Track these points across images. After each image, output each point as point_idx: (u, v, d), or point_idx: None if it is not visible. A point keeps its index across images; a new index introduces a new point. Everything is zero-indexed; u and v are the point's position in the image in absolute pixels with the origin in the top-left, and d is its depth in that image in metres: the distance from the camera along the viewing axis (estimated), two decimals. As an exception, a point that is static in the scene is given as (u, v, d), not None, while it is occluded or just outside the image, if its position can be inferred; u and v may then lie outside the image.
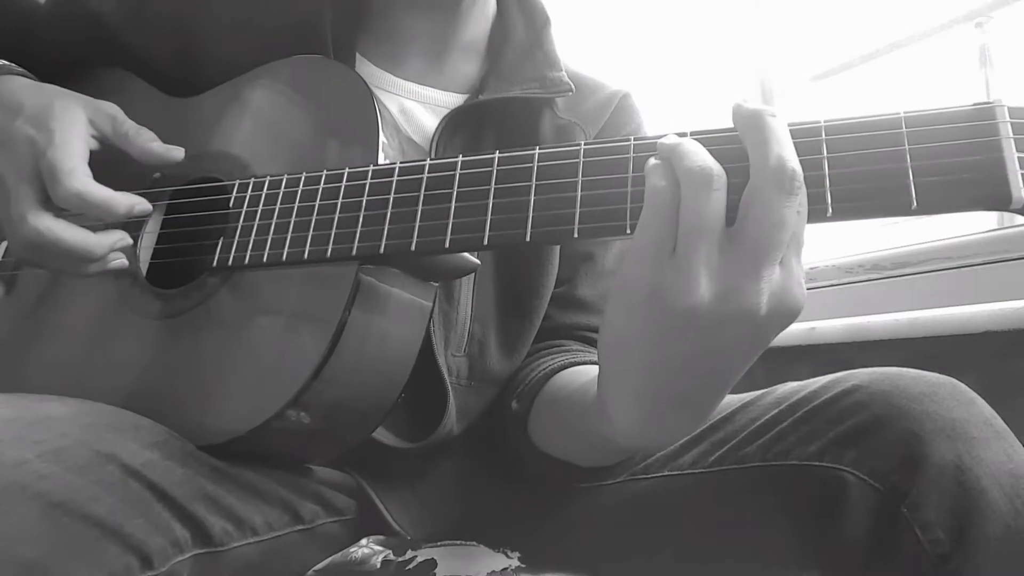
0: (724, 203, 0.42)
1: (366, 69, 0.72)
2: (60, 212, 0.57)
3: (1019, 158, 0.40)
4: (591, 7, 1.73)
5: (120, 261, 0.59)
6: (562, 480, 0.69)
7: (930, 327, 1.09)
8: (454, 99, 0.74)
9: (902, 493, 0.51)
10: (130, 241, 0.60)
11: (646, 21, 1.76)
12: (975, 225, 1.26)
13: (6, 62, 0.65)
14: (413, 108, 0.73)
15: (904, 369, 0.57)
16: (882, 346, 1.16)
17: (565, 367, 0.70)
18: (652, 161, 0.44)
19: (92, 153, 0.60)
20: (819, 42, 1.58)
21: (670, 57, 1.69)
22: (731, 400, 0.67)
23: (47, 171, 0.56)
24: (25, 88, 0.62)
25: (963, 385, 0.55)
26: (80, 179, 0.56)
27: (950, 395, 0.54)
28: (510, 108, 0.73)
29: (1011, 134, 0.41)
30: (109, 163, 0.61)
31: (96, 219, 0.58)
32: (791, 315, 0.42)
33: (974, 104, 0.42)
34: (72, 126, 0.59)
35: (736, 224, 0.42)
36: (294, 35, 0.69)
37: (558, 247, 0.75)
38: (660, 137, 0.47)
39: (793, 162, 0.41)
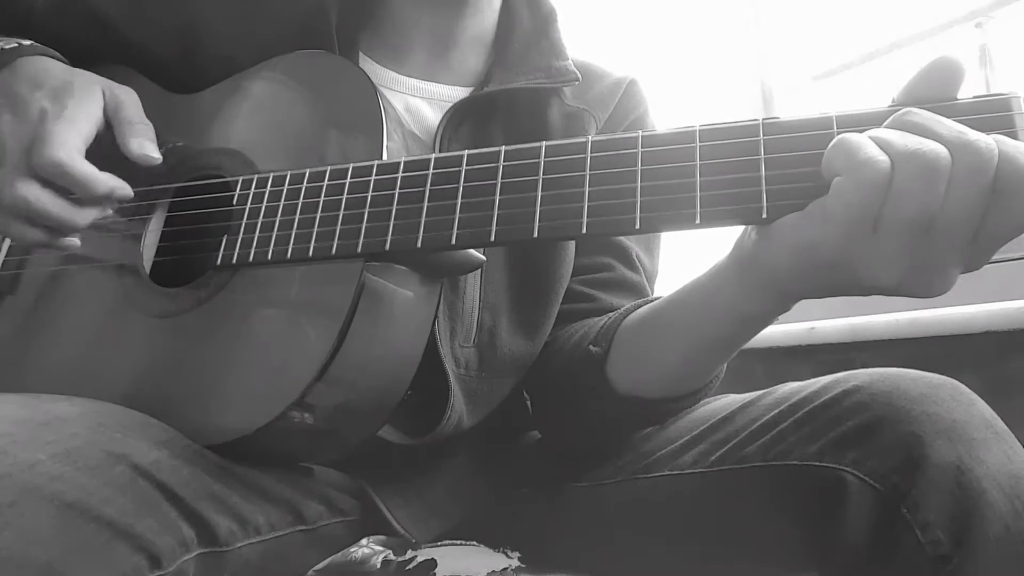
0: (942, 194, 0.39)
1: (369, 67, 0.72)
2: (47, 183, 0.58)
3: None
4: (592, 7, 1.73)
5: (72, 241, 0.60)
6: (635, 420, 0.69)
7: (930, 327, 1.09)
8: (459, 93, 0.73)
9: (902, 494, 0.51)
10: (113, 206, 0.60)
11: (647, 21, 1.76)
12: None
13: (39, 44, 0.65)
14: (418, 105, 0.72)
15: (905, 370, 0.57)
16: (882, 346, 1.16)
17: (638, 307, 0.68)
18: (846, 136, 0.42)
19: (102, 135, 0.61)
20: (819, 42, 1.58)
21: (670, 57, 1.69)
22: (731, 400, 0.67)
23: (39, 138, 0.57)
24: (54, 67, 0.63)
25: (963, 386, 0.56)
26: (66, 151, 0.57)
27: (951, 396, 0.54)
28: (516, 99, 0.73)
29: None
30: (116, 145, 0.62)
31: (78, 195, 0.58)
32: None
33: (983, 96, 0.42)
34: (87, 104, 0.60)
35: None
36: (298, 32, 0.69)
37: None
38: (670, 131, 0.47)
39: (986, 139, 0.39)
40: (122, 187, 0.60)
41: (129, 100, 0.64)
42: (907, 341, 1.12)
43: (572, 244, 0.74)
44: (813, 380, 0.61)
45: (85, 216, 0.58)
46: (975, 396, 0.55)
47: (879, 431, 0.54)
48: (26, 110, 0.58)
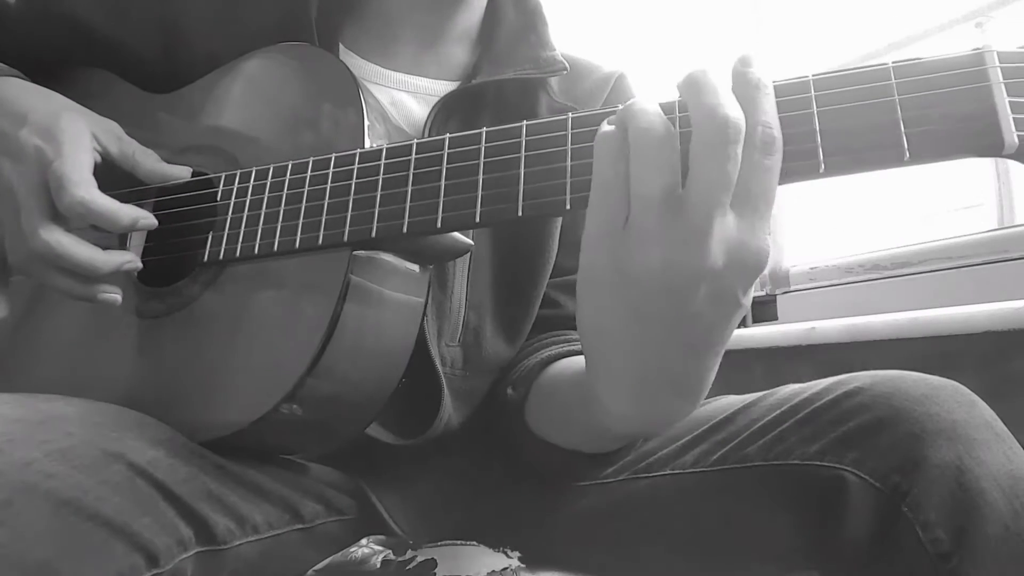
0: (676, 165, 0.40)
1: (353, 62, 0.71)
2: (69, 227, 0.57)
3: (1010, 103, 0.40)
4: (591, 6, 1.73)
5: (114, 296, 0.59)
6: (561, 471, 0.68)
7: (930, 327, 1.09)
8: (445, 87, 0.73)
9: (903, 493, 0.51)
10: (139, 265, 0.59)
11: (646, 21, 1.76)
12: (975, 225, 1.26)
13: (1, 64, 0.65)
14: (403, 99, 0.72)
15: (906, 372, 0.58)
16: (882, 346, 1.16)
17: (561, 356, 0.69)
18: (603, 127, 0.42)
19: (95, 167, 0.60)
20: (819, 42, 1.58)
21: (670, 57, 1.69)
22: (733, 401, 0.67)
23: (54, 181, 0.56)
24: (29, 94, 0.62)
25: (964, 388, 0.56)
26: (86, 188, 0.56)
27: (951, 397, 0.54)
28: (505, 91, 0.73)
29: (1001, 79, 0.40)
30: (109, 177, 0.61)
31: (102, 229, 0.58)
32: (754, 268, 0.41)
33: (962, 52, 0.42)
34: (79, 138, 0.59)
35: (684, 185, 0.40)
36: (278, 27, 0.68)
37: (557, 232, 0.74)
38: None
39: (728, 108, 0.39)
40: (145, 216, 0.59)
41: (122, 131, 0.64)
42: (907, 341, 1.12)
43: (555, 244, 0.74)
44: (815, 382, 0.62)
45: (107, 259, 0.57)
46: (976, 398, 0.55)
47: (880, 431, 0.54)
48: (20, 151, 0.58)
